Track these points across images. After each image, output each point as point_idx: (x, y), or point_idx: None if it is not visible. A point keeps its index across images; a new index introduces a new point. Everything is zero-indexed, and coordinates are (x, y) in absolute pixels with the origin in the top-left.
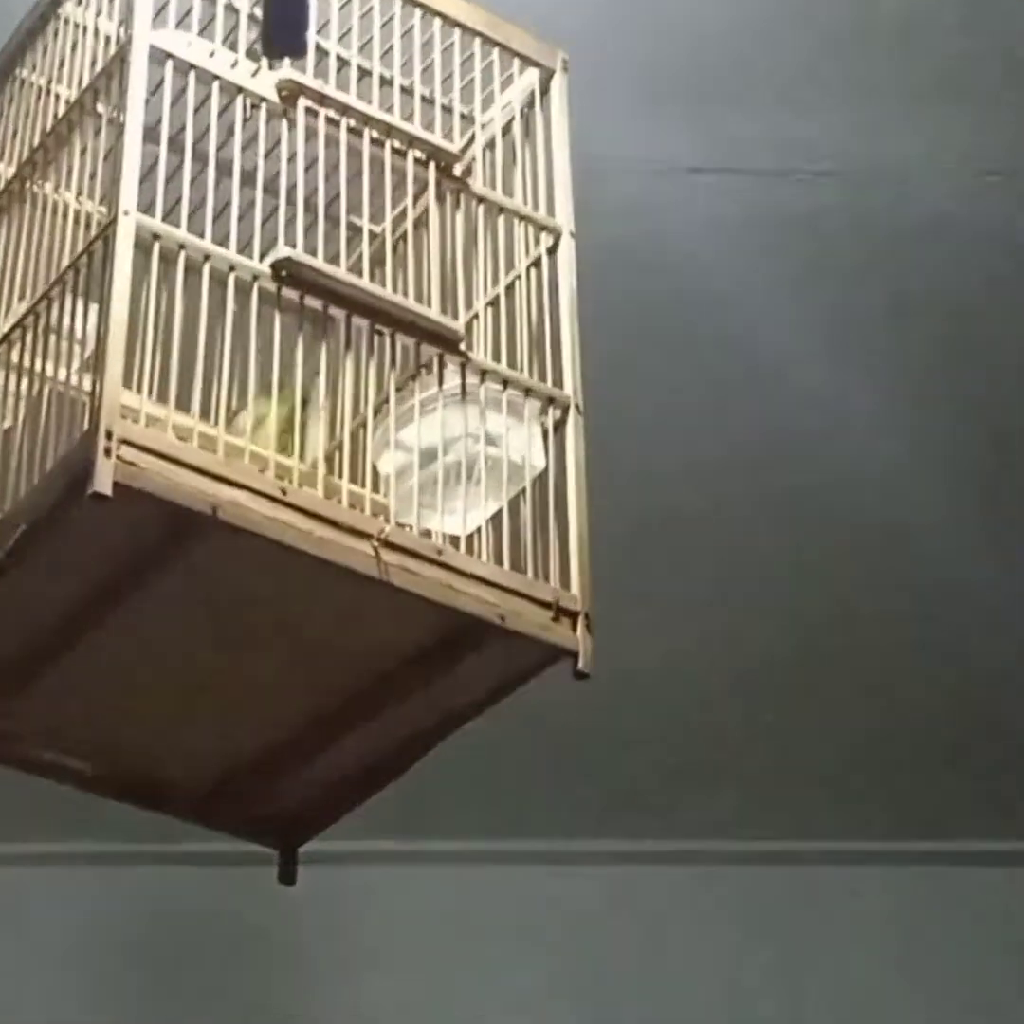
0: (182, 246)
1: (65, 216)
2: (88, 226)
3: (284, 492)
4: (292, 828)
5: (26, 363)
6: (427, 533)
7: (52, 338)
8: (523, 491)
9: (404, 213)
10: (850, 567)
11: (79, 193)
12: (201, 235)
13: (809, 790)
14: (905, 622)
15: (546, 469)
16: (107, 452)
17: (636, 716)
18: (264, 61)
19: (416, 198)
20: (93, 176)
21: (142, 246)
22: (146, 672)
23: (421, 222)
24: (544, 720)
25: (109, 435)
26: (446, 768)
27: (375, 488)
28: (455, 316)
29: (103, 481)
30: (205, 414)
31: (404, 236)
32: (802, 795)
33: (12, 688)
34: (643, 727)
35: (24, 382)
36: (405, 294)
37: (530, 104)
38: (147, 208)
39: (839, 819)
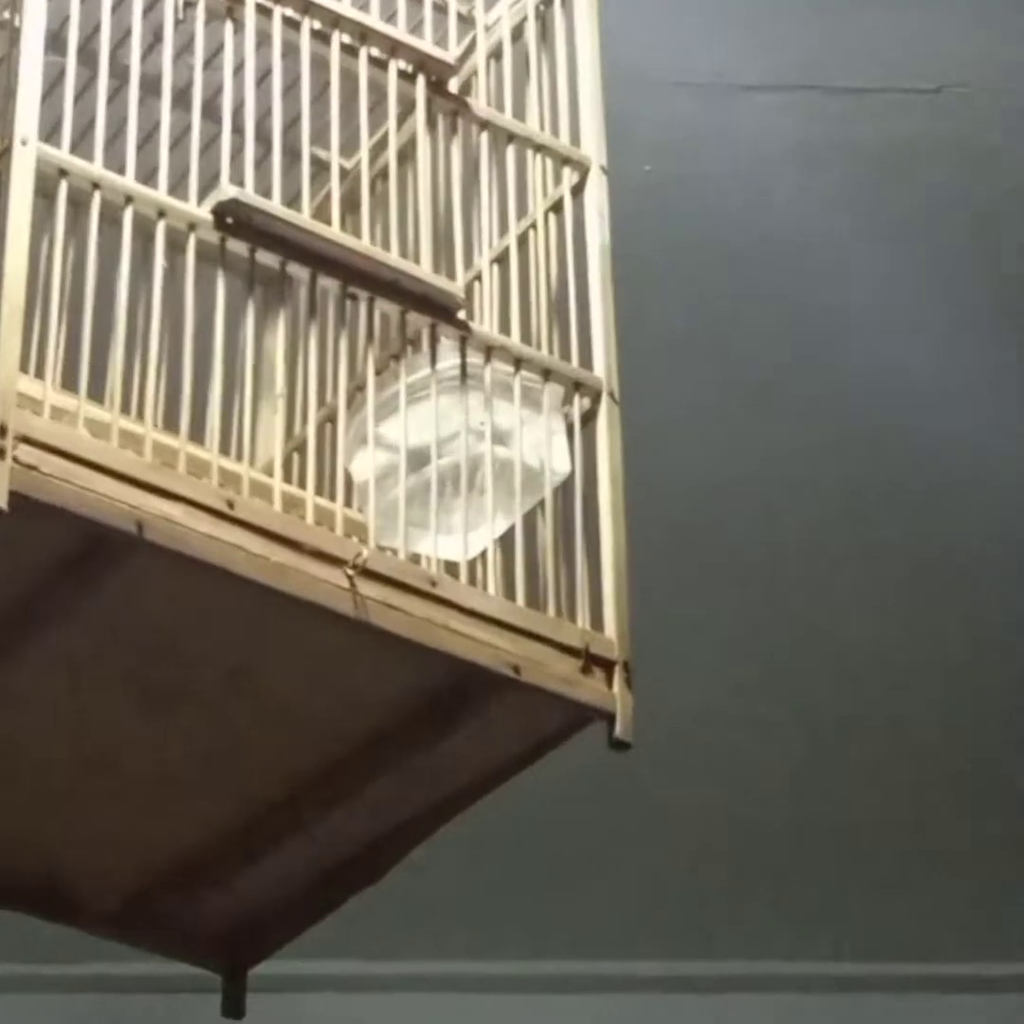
0: (96, 185)
1: None
2: None
3: (231, 505)
4: (239, 946)
5: None
6: (417, 558)
7: None
8: (541, 503)
9: (385, 142)
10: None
11: None
12: (121, 171)
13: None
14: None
15: (571, 475)
16: (1, 453)
17: (664, 799)
18: None
19: (400, 122)
20: None
21: (44, 185)
22: (46, 742)
23: (407, 154)
24: (548, 802)
25: (2, 431)
26: (427, 871)
27: (348, 500)
28: (452, 276)
29: None
30: (127, 406)
31: (385, 172)
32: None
33: None
34: (672, 816)
35: None
36: (386, 247)
37: (547, 0)
38: (50, 135)
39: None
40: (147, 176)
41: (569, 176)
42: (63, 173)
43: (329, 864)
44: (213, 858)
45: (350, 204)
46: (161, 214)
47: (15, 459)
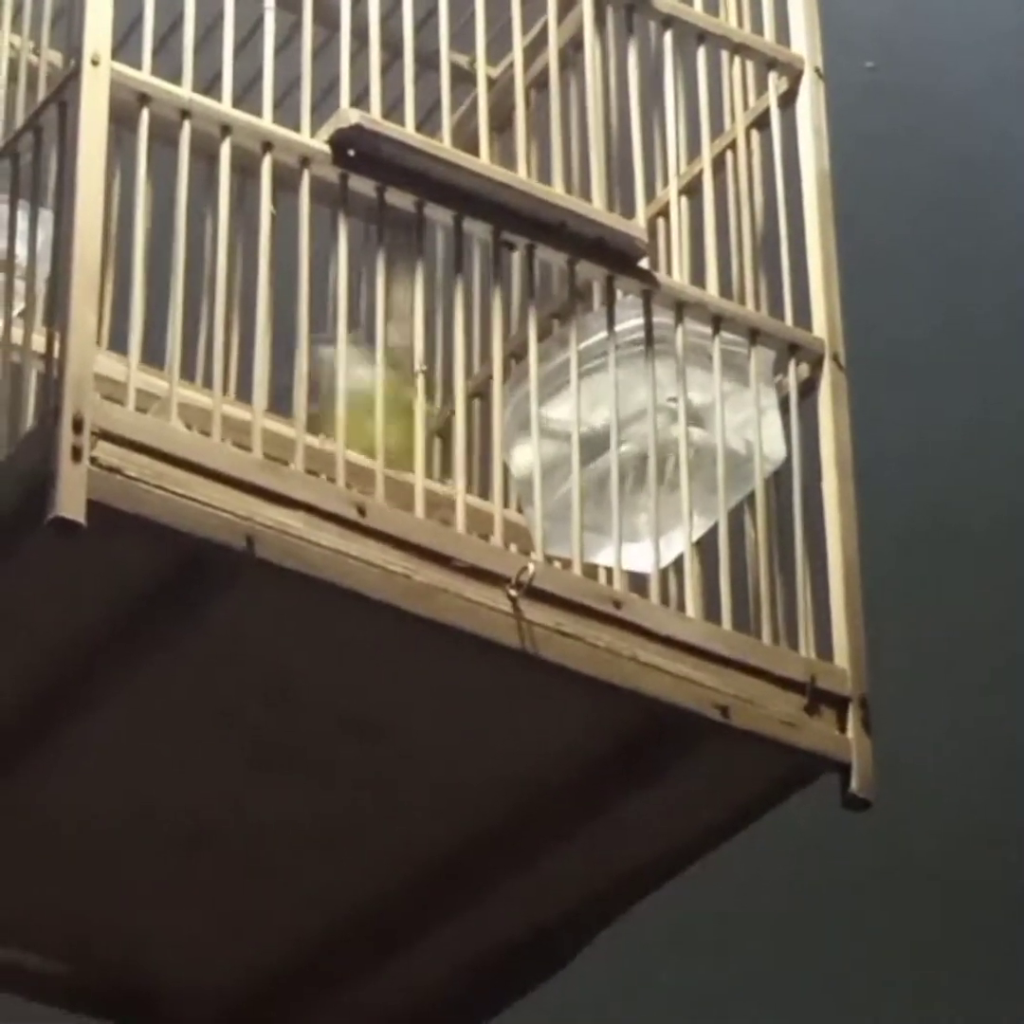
0: (186, 113)
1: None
2: (35, 87)
3: (362, 510)
4: None
5: None
6: (595, 572)
7: None
8: (751, 498)
9: (542, 44)
10: None
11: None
12: (216, 96)
13: None
14: None
15: (787, 461)
16: (76, 453)
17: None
18: None
19: (561, 17)
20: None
21: (120, 113)
22: (132, 809)
23: (570, 58)
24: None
25: (78, 425)
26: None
27: (508, 501)
28: (629, 213)
29: (71, 500)
30: (232, 389)
31: (544, 82)
32: None
33: None
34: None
35: None
36: (548, 181)
37: None
38: (120, 47)
39: None
40: (241, 95)
41: (776, 83)
42: (144, 99)
43: (487, 958)
44: (339, 957)
45: (499, 124)
46: (267, 146)
47: (94, 461)
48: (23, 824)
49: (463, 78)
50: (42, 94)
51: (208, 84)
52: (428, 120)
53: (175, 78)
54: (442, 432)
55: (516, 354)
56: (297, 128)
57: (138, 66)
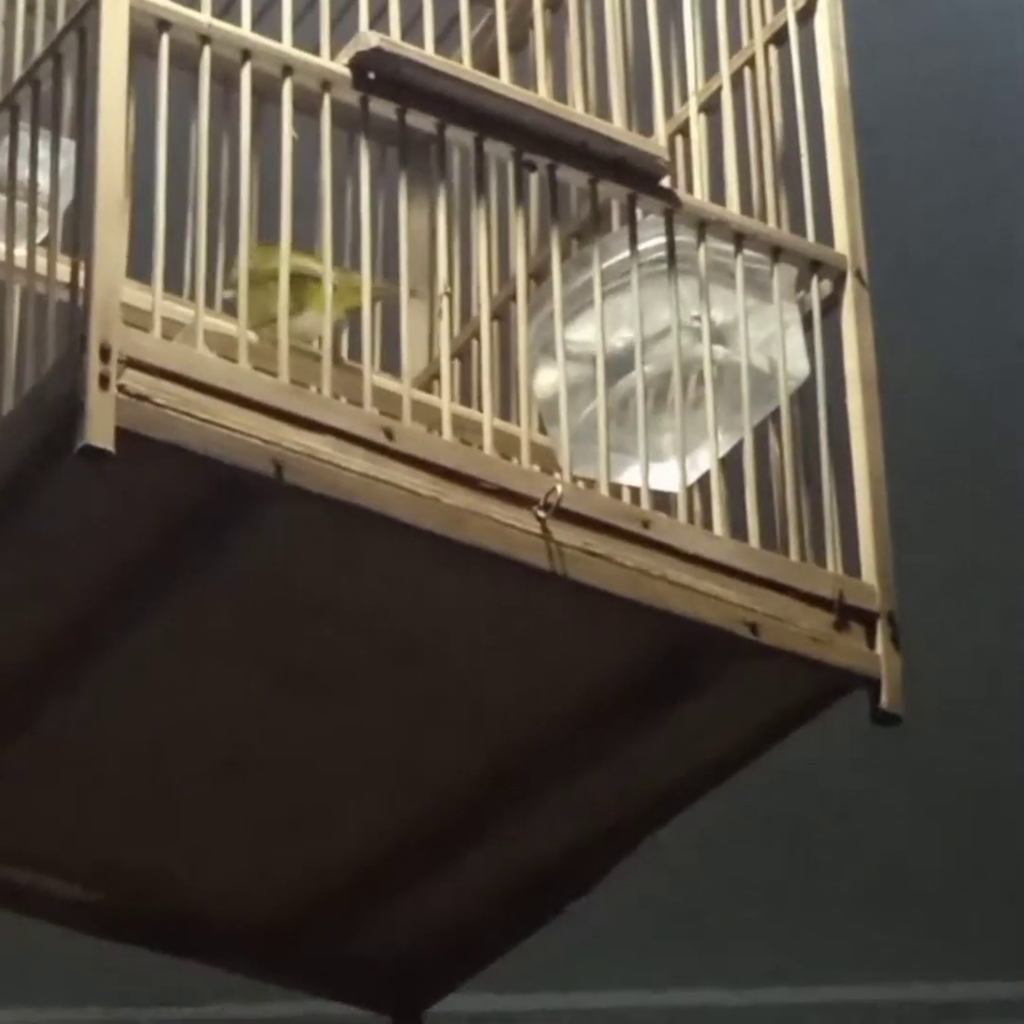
0: (206, 38)
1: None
2: (53, 16)
3: (390, 434)
4: (410, 985)
5: None
6: (621, 491)
7: None
8: (775, 415)
9: None
10: None
11: None
12: (235, 20)
13: None
14: None
15: (811, 378)
16: (104, 382)
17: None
18: None
19: None
20: None
21: (141, 40)
22: (172, 737)
23: None
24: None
25: (105, 354)
26: (636, 886)
27: (534, 422)
28: (648, 131)
29: (100, 429)
30: (255, 314)
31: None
32: None
33: None
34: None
35: None
36: (566, 100)
37: None
38: None
39: None
40: (258, 18)
41: None
42: (164, 25)
43: (521, 880)
44: (377, 879)
45: (518, 41)
46: (287, 71)
47: (122, 388)
48: (59, 752)
49: None
50: (61, 22)
51: (224, 6)
52: (445, 37)
53: (193, 4)
54: (465, 354)
55: (536, 276)
56: (316, 51)
57: None
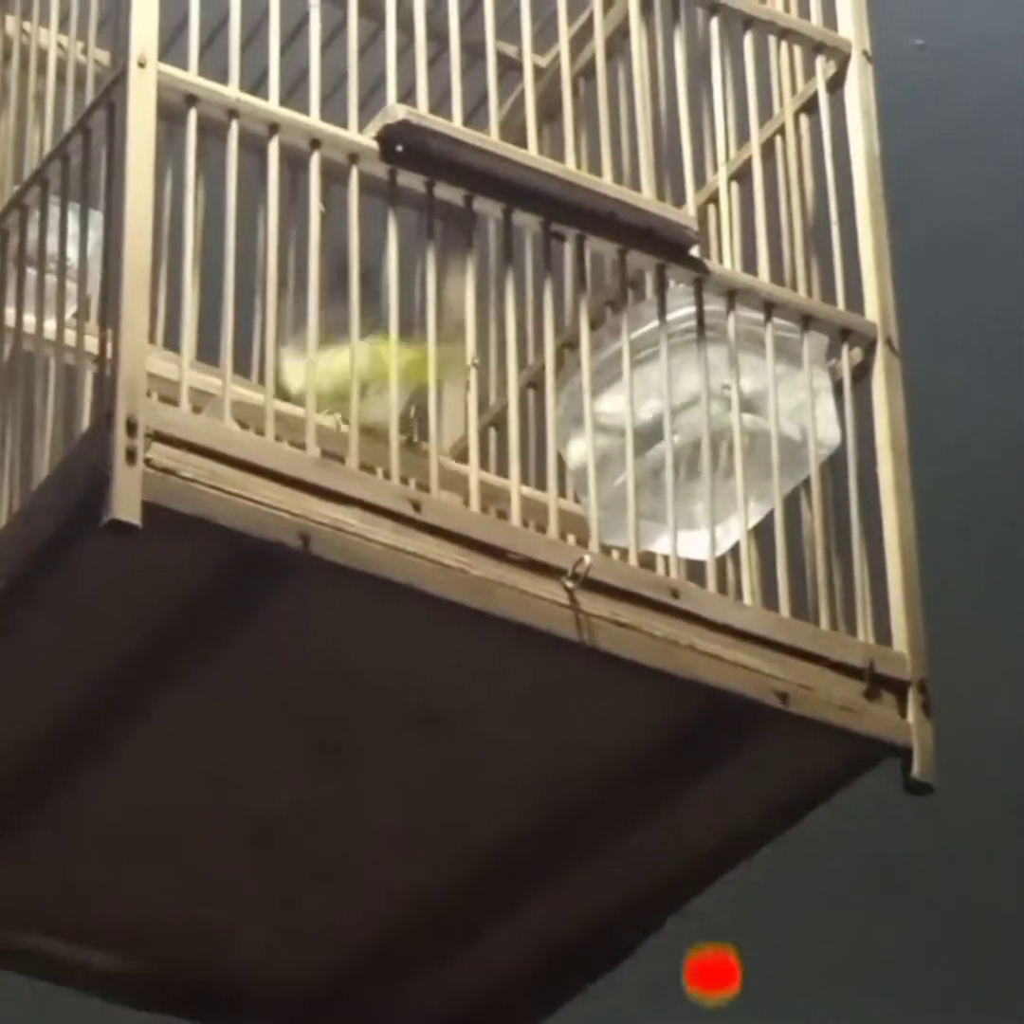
0: (233, 113)
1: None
2: (84, 86)
3: (417, 506)
4: None
5: None
6: (652, 561)
7: (28, 269)
8: (806, 484)
9: (588, 33)
10: None
11: (80, 40)
12: (263, 95)
13: None
14: None
15: (842, 445)
16: (130, 455)
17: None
18: None
19: (607, 6)
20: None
21: (169, 113)
22: (199, 809)
23: (617, 46)
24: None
25: (131, 427)
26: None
27: (563, 492)
28: (680, 202)
29: (126, 503)
30: (283, 387)
31: (591, 70)
32: None
33: None
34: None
35: None
36: (597, 170)
37: None
38: (169, 48)
39: None
40: (289, 92)
41: (824, 66)
42: (192, 100)
43: (556, 947)
44: (412, 946)
45: (547, 113)
46: (315, 144)
47: (148, 462)
48: (90, 825)
49: (511, 68)
50: (91, 94)
51: (255, 82)
52: (476, 113)
53: (222, 78)
54: (496, 424)
55: (569, 344)
56: (345, 125)
57: (185, 66)
